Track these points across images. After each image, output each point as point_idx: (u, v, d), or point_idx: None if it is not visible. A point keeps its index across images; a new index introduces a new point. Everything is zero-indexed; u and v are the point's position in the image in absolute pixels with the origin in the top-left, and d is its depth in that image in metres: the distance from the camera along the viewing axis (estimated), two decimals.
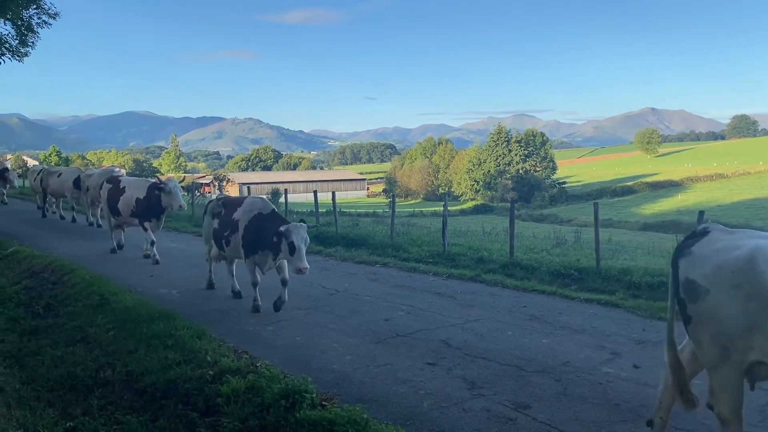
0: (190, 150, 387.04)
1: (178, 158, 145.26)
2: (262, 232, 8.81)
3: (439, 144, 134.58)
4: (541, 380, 6.27)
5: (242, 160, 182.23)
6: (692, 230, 4.73)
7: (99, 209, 18.34)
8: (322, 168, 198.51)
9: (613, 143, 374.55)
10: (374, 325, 8.34)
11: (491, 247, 14.72)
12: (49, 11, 20.52)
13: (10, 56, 21.21)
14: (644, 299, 9.60)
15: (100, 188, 14.89)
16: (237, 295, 9.98)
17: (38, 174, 22.62)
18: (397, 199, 18.98)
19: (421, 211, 61.20)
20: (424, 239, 15.98)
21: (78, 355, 7.23)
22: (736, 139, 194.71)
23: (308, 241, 8.46)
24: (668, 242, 17.99)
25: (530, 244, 17.45)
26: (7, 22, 20.20)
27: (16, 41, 20.80)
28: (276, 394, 5.30)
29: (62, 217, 20.83)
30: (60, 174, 20.20)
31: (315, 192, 19.14)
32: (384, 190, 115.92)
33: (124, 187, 13.64)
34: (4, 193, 26.85)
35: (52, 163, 58.89)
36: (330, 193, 19.30)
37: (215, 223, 9.83)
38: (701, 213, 11.12)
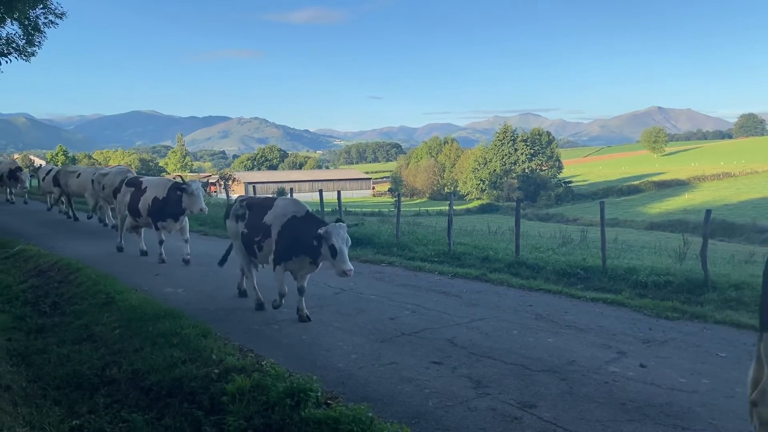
0: (196, 149, 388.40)
1: (184, 157, 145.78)
2: (299, 236, 8.21)
3: (444, 143, 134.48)
4: (547, 379, 6.25)
5: (248, 159, 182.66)
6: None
7: (110, 209, 18.33)
8: (327, 167, 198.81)
9: (620, 142, 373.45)
10: (379, 323, 8.33)
11: (497, 246, 14.70)
12: (56, 11, 20.62)
13: (17, 56, 21.32)
14: (651, 298, 9.57)
15: (118, 190, 14.53)
16: (260, 307, 9.15)
17: (48, 173, 22.68)
18: (402, 199, 18.99)
19: (427, 210, 61.14)
20: (430, 238, 15.96)
21: (84, 354, 7.25)
22: (744, 138, 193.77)
23: (349, 241, 7.96)
24: (674, 241, 17.90)
25: (536, 243, 17.40)
26: (14, 21, 20.29)
27: (23, 41, 20.90)
28: (281, 392, 5.29)
29: (76, 218, 20.71)
30: (79, 174, 20.16)
31: (320, 191, 19.19)
32: (389, 190, 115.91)
33: (146, 188, 13.31)
34: (12, 192, 27.01)
35: (59, 163, 59.09)
36: (335, 193, 19.33)
37: (242, 227, 9.14)
38: (708, 212, 11.08)
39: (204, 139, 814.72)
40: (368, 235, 15.76)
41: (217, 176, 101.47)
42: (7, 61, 21.05)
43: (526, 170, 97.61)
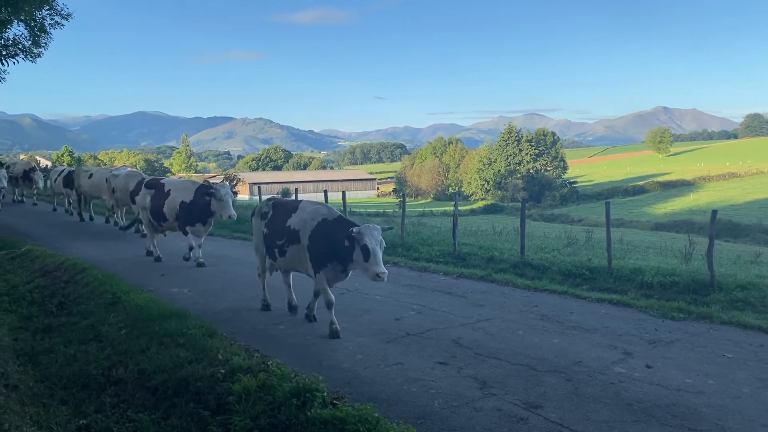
0: (200, 150, 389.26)
1: (189, 158, 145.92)
2: (332, 240, 7.73)
3: (449, 143, 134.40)
4: (553, 380, 6.24)
5: (252, 159, 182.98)
6: None
7: (122, 210, 18.34)
8: (332, 168, 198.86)
9: (625, 142, 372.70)
10: (385, 324, 8.34)
11: (502, 247, 14.68)
12: (62, 12, 20.64)
13: (23, 57, 21.35)
14: (656, 299, 9.56)
15: (135, 193, 14.36)
16: (293, 310, 8.94)
17: (60, 174, 22.71)
18: (407, 199, 18.95)
19: (431, 210, 61.16)
20: (435, 239, 15.95)
21: (90, 354, 7.27)
22: (749, 138, 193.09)
23: (384, 244, 7.45)
24: (680, 242, 17.86)
25: (541, 243, 17.38)
26: (20, 23, 20.35)
27: (29, 42, 20.93)
28: (287, 392, 5.30)
29: (91, 219, 20.77)
30: (91, 174, 20.19)
31: (325, 192, 19.15)
32: (394, 190, 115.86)
33: (169, 191, 12.97)
34: (24, 193, 27.11)
35: (64, 164, 59.21)
36: (340, 193, 19.31)
37: (264, 227, 8.85)
38: (714, 212, 11.06)
39: (209, 139, 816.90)
40: None
41: (222, 177, 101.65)
42: (14, 62, 21.11)
43: (531, 170, 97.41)
